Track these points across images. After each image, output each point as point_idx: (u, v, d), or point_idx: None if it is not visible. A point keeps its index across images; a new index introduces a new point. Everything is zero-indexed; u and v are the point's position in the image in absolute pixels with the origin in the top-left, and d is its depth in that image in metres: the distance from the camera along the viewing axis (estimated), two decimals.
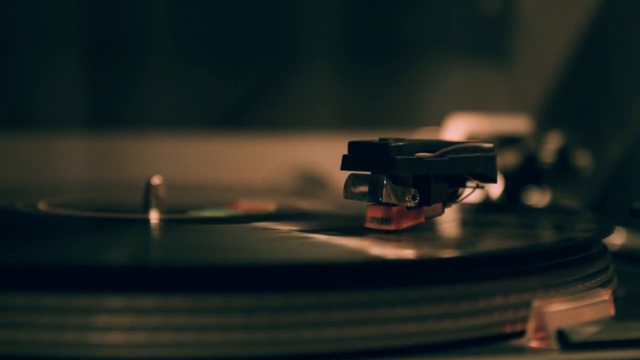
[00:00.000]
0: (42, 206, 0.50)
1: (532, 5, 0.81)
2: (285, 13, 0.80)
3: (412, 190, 0.39)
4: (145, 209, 0.47)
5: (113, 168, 0.76)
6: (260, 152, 0.78)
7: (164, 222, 0.45)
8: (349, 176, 0.40)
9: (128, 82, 0.77)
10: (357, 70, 0.81)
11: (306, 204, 0.53)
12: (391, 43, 0.81)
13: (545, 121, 0.69)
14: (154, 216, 0.46)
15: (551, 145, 0.61)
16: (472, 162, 0.40)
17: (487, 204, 0.57)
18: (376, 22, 0.81)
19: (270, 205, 0.51)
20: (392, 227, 0.39)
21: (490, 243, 0.42)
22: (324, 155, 0.71)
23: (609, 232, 0.42)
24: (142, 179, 0.48)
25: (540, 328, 0.34)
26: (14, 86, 0.76)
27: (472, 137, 0.62)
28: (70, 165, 0.75)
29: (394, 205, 0.39)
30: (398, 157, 0.38)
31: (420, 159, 0.39)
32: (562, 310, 0.34)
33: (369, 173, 0.39)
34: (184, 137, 0.77)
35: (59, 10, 0.75)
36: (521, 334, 0.34)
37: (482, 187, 0.42)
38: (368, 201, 0.39)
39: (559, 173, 0.61)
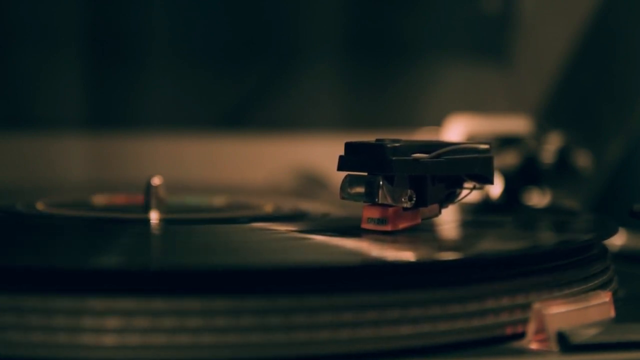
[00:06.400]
0: (41, 206, 0.50)
1: (532, 5, 0.81)
2: (285, 13, 0.80)
3: (409, 191, 0.39)
4: (146, 209, 0.47)
5: (113, 168, 0.76)
6: (260, 152, 0.78)
7: (164, 223, 0.45)
8: (345, 177, 0.40)
9: (128, 82, 0.77)
10: (357, 71, 0.81)
11: (306, 204, 0.53)
12: (391, 43, 0.81)
13: (545, 121, 0.69)
14: (154, 216, 0.46)
15: (551, 146, 0.61)
16: (469, 163, 0.40)
17: (486, 205, 0.57)
18: (376, 22, 0.81)
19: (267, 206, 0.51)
20: (388, 228, 0.39)
21: (489, 244, 0.42)
22: (324, 155, 0.71)
23: (610, 234, 0.42)
24: (142, 179, 0.48)
25: (541, 330, 0.34)
26: (14, 86, 0.76)
27: (471, 138, 0.62)
28: (70, 165, 0.75)
29: (390, 206, 0.39)
30: (394, 158, 0.38)
31: (417, 160, 0.38)
32: (563, 312, 0.34)
33: (366, 174, 0.39)
34: (184, 137, 0.77)
35: (59, 10, 0.75)
36: (521, 335, 0.34)
37: (480, 188, 0.42)
38: (364, 202, 0.39)
39: (559, 173, 0.61)
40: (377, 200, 0.38)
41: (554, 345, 0.33)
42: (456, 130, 0.64)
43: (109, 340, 0.30)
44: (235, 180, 0.74)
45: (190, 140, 0.77)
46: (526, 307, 0.34)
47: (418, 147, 0.39)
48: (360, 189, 0.39)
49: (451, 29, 0.82)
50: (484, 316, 0.34)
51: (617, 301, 0.38)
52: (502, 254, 0.36)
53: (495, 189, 0.59)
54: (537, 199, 0.60)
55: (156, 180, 0.47)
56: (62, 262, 0.34)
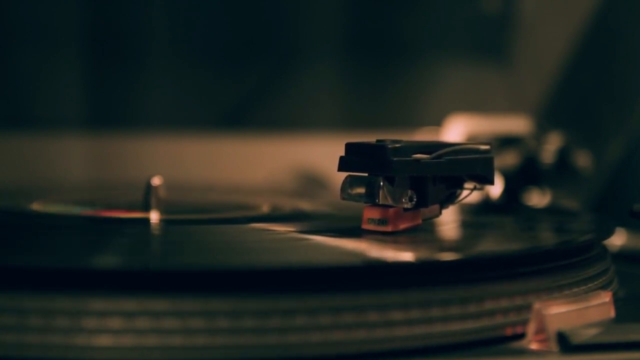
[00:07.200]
0: (41, 206, 0.50)
1: (532, 5, 0.81)
2: (285, 13, 0.80)
3: (409, 191, 0.39)
4: (146, 209, 0.47)
5: (113, 168, 0.76)
6: (260, 152, 0.78)
7: (164, 223, 0.45)
8: (346, 177, 0.39)
9: (128, 82, 0.77)
10: (357, 71, 0.81)
11: (305, 205, 0.53)
12: (391, 43, 0.81)
13: (545, 121, 0.69)
14: (154, 216, 0.46)
15: (551, 146, 0.61)
16: (470, 164, 0.40)
17: (486, 205, 0.57)
18: (376, 22, 0.81)
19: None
20: (389, 228, 0.39)
21: (489, 245, 0.42)
22: (324, 155, 0.71)
23: (609, 234, 0.42)
24: (142, 179, 0.48)
25: (541, 330, 0.34)
26: (14, 86, 0.76)
27: (471, 138, 0.62)
28: (70, 165, 0.75)
29: (390, 206, 0.39)
30: (395, 158, 0.38)
31: (417, 160, 0.38)
32: (563, 313, 0.34)
33: (366, 174, 0.39)
34: (184, 137, 0.77)
35: (59, 10, 0.75)
36: (521, 336, 0.34)
37: (480, 189, 0.42)
38: (365, 202, 0.39)
39: (559, 173, 0.61)
40: (377, 200, 0.38)
41: (554, 346, 0.33)
42: (456, 130, 0.64)
43: (107, 341, 0.30)
44: (235, 180, 0.74)
45: (190, 140, 0.77)
46: (526, 307, 0.34)
47: (419, 147, 0.39)
48: (361, 190, 0.39)
49: (451, 29, 0.82)
50: (484, 316, 0.34)
51: (617, 301, 0.38)
52: (502, 255, 0.36)
53: (495, 189, 0.59)
54: (537, 199, 0.60)
55: (156, 180, 0.47)
56: (61, 262, 0.33)
